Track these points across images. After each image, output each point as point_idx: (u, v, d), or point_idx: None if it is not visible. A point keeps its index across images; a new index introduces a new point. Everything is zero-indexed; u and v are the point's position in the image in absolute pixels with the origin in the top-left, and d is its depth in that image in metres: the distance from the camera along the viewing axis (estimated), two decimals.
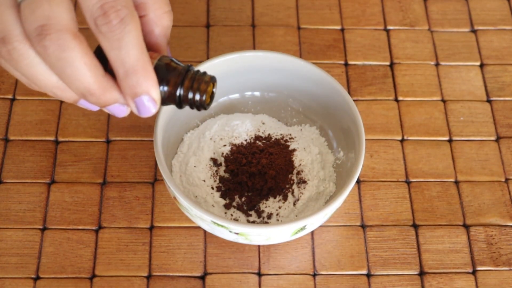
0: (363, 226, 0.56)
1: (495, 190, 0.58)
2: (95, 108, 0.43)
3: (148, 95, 0.39)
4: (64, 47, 0.37)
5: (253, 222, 0.53)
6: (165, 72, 0.41)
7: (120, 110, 0.42)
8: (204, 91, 0.42)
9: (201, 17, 0.67)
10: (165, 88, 0.41)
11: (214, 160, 0.55)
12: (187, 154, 0.56)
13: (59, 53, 0.37)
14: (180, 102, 0.42)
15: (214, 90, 0.43)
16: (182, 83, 0.41)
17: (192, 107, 0.42)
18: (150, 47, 0.43)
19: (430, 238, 0.56)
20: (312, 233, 0.55)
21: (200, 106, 0.42)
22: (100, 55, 0.39)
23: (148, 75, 0.39)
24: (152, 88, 0.39)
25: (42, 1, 0.37)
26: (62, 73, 0.38)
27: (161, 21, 0.42)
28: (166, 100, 0.41)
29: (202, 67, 0.53)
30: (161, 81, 0.41)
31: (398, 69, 0.65)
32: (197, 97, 0.42)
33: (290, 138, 0.57)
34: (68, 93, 0.40)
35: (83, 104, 0.42)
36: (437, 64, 0.65)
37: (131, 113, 0.60)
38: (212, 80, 0.42)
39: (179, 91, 0.41)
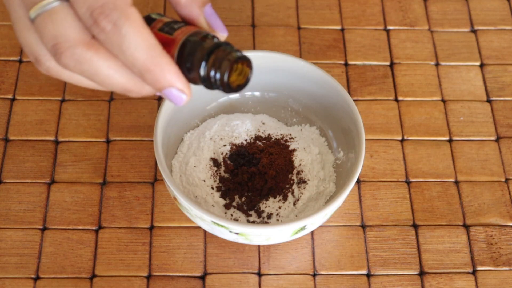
0: (363, 226, 0.56)
1: (495, 190, 0.58)
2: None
3: (172, 87, 0.37)
4: (81, 61, 0.37)
5: (253, 222, 0.53)
6: (189, 51, 0.38)
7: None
8: (225, 72, 0.37)
9: None
10: (189, 69, 0.38)
11: (214, 160, 0.55)
12: (187, 154, 0.56)
13: (80, 66, 0.37)
14: (208, 84, 0.38)
15: (250, 71, 0.39)
16: (206, 62, 0.37)
17: (219, 89, 0.38)
18: (185, 18, 0.41)
19: (430, 238, 0.56)
20: (312, 233, 0.55)
21: (226, 88, 0.38)
22: (149, 20, 0.38)
23: (164, 69, 0.37)
24: (174, 79, 0.37)
25: (46, 22, 0.36)
26: (93, 80, 0.38)
27: None
28: (193, 81, 0.38)
29: None
30: (185, 61, 0.38)
31: (398, 69, 0.65)
32: (218, 79, 0.37)
33: (290, 138, 0.57)
34: (104, 89, 0.40)
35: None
36: (437, 64, 0.65)
37: (130, 113, 0.60)
38: (241, 58, 0.38)
39: (203, 71, 0.37)
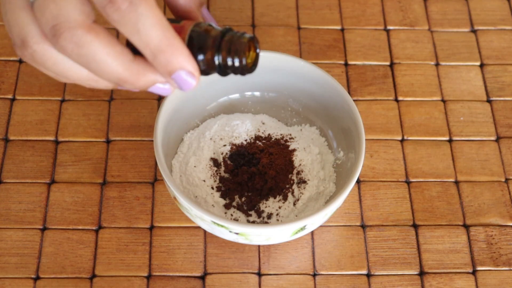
0: (363, 226, 0.56)
1: (495, 190, 0.58)
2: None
3: (183, 70, 0.37)
4: (80, 44, 0.36)
5: (253, 222, 0.53)
6: (201, 39, 0.38)
7: (163, 90, 0.39)
8: (244, 55, 0.38)
9: None
10: (203, 57, 0.38)
11: (214, 160, 0.55)
12: (187, 154, 0.56)
13: (77, 50, 0.36)
14: (222, 70, 0.39)
15: (258, 51, 0.40)
16: (219, 49, 0.38)
17: (236, 73, 0.39)
18: (183, 16, 0.41)
19: (430, 238, 0.56)
20: (312, 233, 0.55)
21: (243, 71, 0.39)
22: None
23: (177, 50, 0.36)
24: (185, 62, 0.37)
25: (48, 2, 0.36)
26: (88, 67, 0.37)
27: None
28: (206, 69, 0.39)
29: None
30: (198, 50, 0.38)
31: (398, 69, 0.65)
32: (237, 62, 0.38)
33: (290, 138, 0.57)
34: (103, 83, 0.39)
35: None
36: (437, 64, 0.65)
37: (130, 113, 0.60)
38: (252, 40, 0.39)
39: (218, 59, 0.38)
